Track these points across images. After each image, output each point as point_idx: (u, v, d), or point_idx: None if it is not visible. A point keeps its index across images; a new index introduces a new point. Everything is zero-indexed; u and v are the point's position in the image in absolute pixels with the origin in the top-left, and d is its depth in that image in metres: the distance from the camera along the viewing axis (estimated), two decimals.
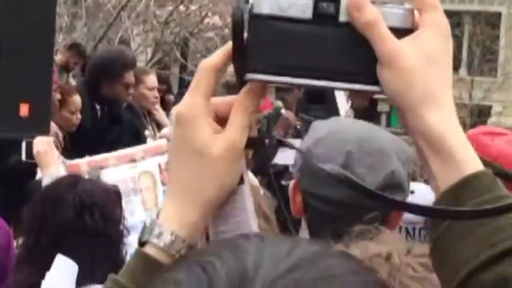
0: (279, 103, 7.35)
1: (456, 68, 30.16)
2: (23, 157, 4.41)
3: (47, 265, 2.72)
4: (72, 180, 3.11)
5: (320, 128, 2.06)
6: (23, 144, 4.39)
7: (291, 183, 2.05)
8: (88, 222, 2.84)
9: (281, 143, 1.13)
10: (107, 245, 2.85)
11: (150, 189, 5.36)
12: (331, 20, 1.00)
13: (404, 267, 1.44)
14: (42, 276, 2.70)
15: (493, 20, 28.83)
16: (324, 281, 0.71)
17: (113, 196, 3.03)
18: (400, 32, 1.02)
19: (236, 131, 1.05)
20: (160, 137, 5.81)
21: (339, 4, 1.00)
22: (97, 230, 2.84)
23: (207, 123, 1.05)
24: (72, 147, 5.36)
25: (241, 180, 1.09)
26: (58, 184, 3.12)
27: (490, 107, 29.07)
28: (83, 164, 4.96)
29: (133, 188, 5.21)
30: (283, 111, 7.25)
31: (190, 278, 0.73)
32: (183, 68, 16.30)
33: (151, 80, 6.40)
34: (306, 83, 1.02)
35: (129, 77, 5.92)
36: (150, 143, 5.75)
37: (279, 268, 0.71)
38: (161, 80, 9.92)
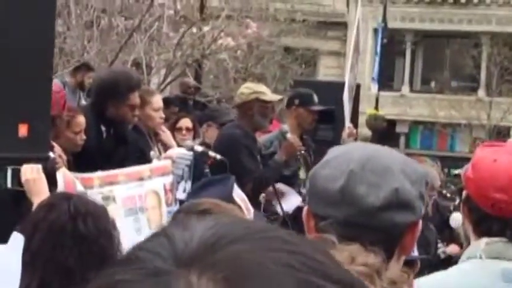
0: (285, 127, 7.07)
1: (475, 89, 30.06)
2: (9, 184, 4.21)
3: (39, 268, 2.80)
4: (67, 194, 3.28)
5: (331, 151, 2.06)
6: (9, 171, 4.20)
7: (304, 209, 2.03)
8: (81, 228, 2.86)
9: None
10: (99, 254, 2.83)
11: (155, 208, 5.39)
12: None
13: None
14: (35, 279, 2.78)
15: (511, 41, 28.73)
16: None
17: (105, 212, 3.04)
18: None
19: None
20: (165, 158, 5.81)
21: None
22: (90, 237, 2.85)
23: None
24: (78, 168, 5.30)
25: None
26: (53, 196, 3.30)
27: (509, 128, 28.86)
28: (95, 178, 4.98)
29: (140, 207, 5.24)
30: (288, 135, 6.86)
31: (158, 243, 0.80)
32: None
33: (157, 100, 6.37)
34: None
35: (135, 98, 5.87)
36: (156, 162, 5.75)
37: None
38: (172, 101, 9.92)
